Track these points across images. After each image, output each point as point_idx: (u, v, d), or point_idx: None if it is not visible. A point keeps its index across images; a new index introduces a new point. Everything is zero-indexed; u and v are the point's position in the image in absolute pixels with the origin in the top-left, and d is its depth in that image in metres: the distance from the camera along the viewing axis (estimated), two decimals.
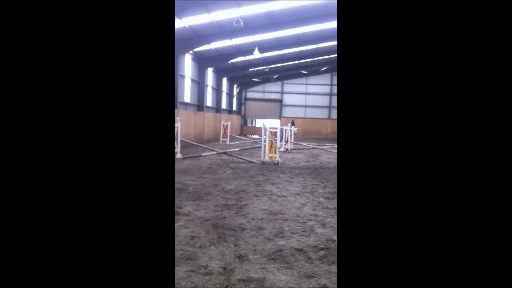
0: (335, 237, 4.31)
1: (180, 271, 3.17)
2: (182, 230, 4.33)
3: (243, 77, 28.70)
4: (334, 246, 4.03)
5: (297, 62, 25.64)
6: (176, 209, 5.31)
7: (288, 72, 29.23)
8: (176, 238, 4.02)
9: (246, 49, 19.58)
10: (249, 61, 23.50)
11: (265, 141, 11.32)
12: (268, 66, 25.59)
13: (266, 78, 30.28)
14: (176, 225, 4.53)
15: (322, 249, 3.92)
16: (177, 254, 3.56)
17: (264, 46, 19.27)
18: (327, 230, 4.56)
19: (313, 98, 31.62)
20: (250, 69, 25.86)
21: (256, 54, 19.06)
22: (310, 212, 5.43)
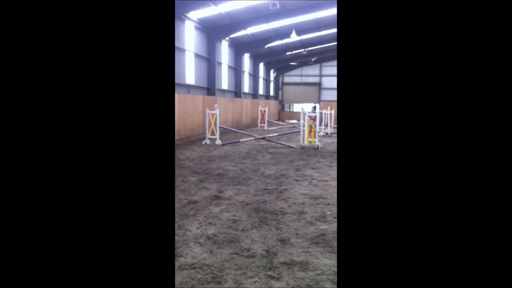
0: None
1: (224, 253, 3.24)
2: (224, 214, 4.41)
3: (280, 61, 28.31)
4: None
5: (336, 43, 24.78)
6: (217, 194, 5.41)
7: (327, 54, 28.36)
8: (218, 222, 4.11)
9: (283, 33, 19.21)
10: (286, 44, 23.08)
11: (303, 125, 11.15)
12: (305, 49, 24.99)
13: (303, 61, 29.63)
14: (217, 209, 4.63)
15: None
16: (221, 237, 3.64)
17: (301, 28, 18.79)
18: None
19: None
20: (287, 53, 25.41)
21: (293, 37, 18.66)
22: None
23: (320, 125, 14.80)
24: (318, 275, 2.86)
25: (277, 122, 23.81)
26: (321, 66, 31.16)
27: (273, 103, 28.39)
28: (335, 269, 2.96)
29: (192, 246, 3.40)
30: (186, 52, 15.15)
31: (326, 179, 6.62)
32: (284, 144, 11.53)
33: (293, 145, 11.38)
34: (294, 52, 25.45)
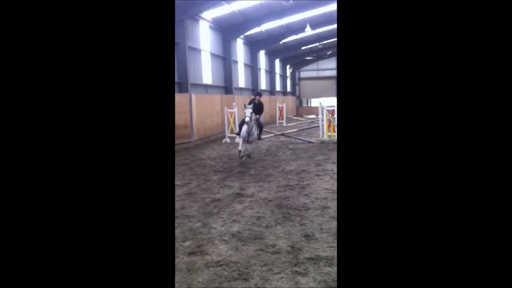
0: None
1: (249, 250, 3.27)
2: (247, 211, 4.44)
3: (295, 56, 28.11)
4: None
5: None
6: (240, 191, 5.45)
7: None
8: (242, 219, 4.14)
9: (297, 27, 19.06)
10: (300, 39, 22.88)
11: (322, 120, 11.04)
12: (321, 43, 24.70)
13: (319, 55, 29.30)
14: (240, 206, 4.66)
15: None
16: (245, 234, 3.67)
17: (315, 22, 18.58)
18: None
19: None
20: (303, 48, 25.18)
21: (308, 31, 18.47)
22: None
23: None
24: None
25: (295, 117, 23.68)
26: (336, 59, 30.69)
27: (290, 99, 28.25)
28: None
29: (218, 243, 3.45)
30: (202, 52, 15.28)
31: None
32: (303, 140, 11.47)
33: (312, 140, 11.30)
34: (309, 46, 25.22)
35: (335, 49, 28.07)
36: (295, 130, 13.87)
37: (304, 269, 2.86)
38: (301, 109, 30.73)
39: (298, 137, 11.95)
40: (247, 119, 7.00)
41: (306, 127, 15.48)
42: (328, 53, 29.02)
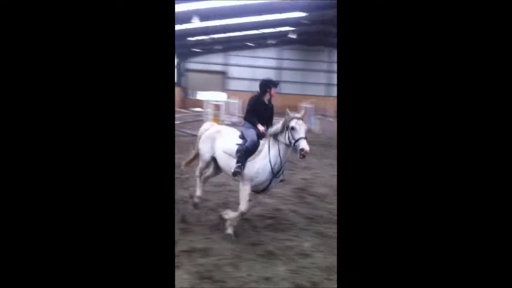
0: (281, 207, 4.39)
1: None
2: None
3: (182, 46, 27.40)
4: (280, 215, 4.09)
5: (242, 33, 25.07)
6: None
7: (233, 44, 28.58)
8: None
9: (185, 17, 18.58)
10: (188, 30, 22.41)
11: (207, 114, 11.05)
12: (210, 36, 24.69)
13: (208, 49, 29.30)
14: None
15: (269, 218, 3.96)
16: None
17: (205, 14, 18.45)
18: (274, 201, 4.61)
19: (263, 72, 31.16)
20: (189, 38, 24.72)
21: (196, 23, 18.21)
22: None
23: (226, 114, 14.90)
24: (220, 259, 2.84)
25: (180, 110, 23.13)
26: (227, 56, 31.26)
27: (175, 90, 27.43)
28: (237, 253, 2.98)
29: None
30: None
31: None
32: (187, 133, 11.26)
33: (196, 133, 11.19)
34: (197, 38, 24.94)
35: (227, 45, 28.52)
36: (179, 122, 13.51)
37: (177, 262, 2.74)
38: (187, 101, 30.20)
39: (182, 130, 11.68)
40: (304, 147, 2.98)
41: (191, 120, 15.28)
42: (217, 48, 29.26)
